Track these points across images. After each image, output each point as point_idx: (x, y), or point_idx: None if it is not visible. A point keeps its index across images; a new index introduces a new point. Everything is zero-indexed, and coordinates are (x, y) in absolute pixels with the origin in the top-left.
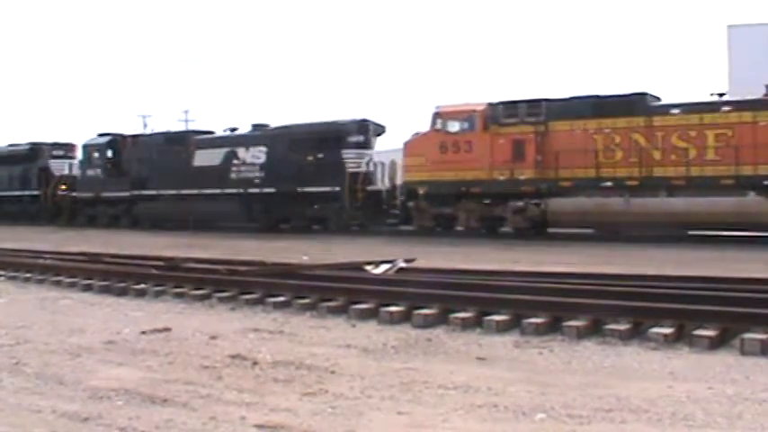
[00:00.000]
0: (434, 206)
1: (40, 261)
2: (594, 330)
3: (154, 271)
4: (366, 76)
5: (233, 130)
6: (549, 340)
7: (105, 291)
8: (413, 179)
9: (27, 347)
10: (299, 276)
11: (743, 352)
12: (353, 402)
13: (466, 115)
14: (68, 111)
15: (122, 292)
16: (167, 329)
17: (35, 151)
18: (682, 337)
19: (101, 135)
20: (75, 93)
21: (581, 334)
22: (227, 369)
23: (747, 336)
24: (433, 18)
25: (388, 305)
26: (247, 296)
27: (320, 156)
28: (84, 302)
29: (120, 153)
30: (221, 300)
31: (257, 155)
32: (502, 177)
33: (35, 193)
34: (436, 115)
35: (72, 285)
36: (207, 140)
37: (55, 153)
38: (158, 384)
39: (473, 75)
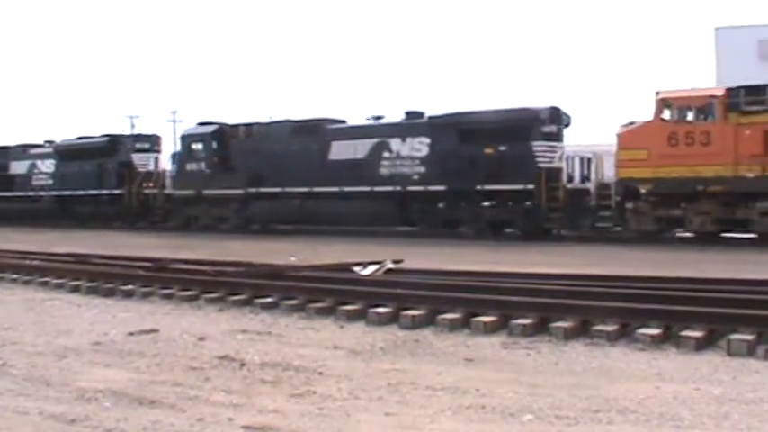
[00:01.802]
0: (658, 207)
1: (27, 262)
2: (582, 331)
3: (141, 272)
4: (342, 75)
5: (377, 118)
6: (536, 341)
7: (92, 292)
8: (632, 176)
9: (14, 349)
10: (287, 277)
11: (729, 353)
12: (341, 403)
13: (702, 102)
14: (55, 111)
15: (110, 294)
16: (155, 331)
17: (114, 144)
18: (669, 338)
19: (201, 124)
20: (63, 93)
21: (568, 335)
22: (215, 370)
23: (734, 336)
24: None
25: (375, 306)
26: (235, 297)
27: (502, 148)
28: (72, 304)
29: (227, 145)
30: (209, 301)
31: (417, 147)
32: (750, 174)
33: (115, 191)
34: (662, 102)
35: (59, 286)
36: (347, 130)
37: (138, 146)
38: (146, 386)
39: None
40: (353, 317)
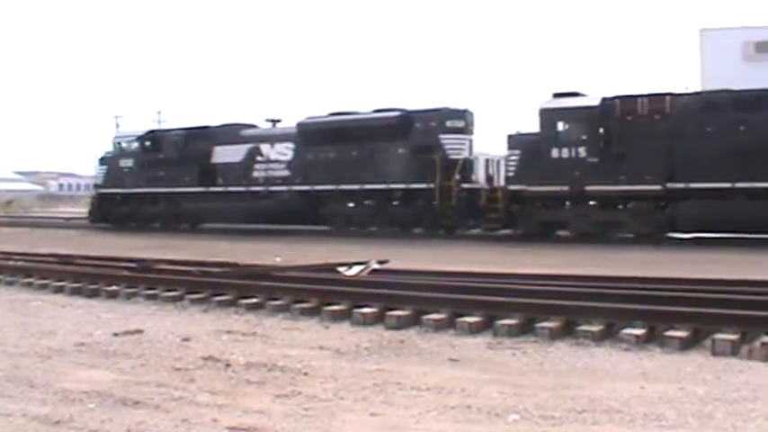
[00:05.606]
0: None
1: (11, 263)
2: (567, 332)
3: (125, 272)
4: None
5: None
6: (521, 342)
7: (77, 293)
8: None
9: None
10: (272, 278)
11: (714, 352)
12: (326, 404)
13: None
14: (43, 111)
15: (94, 294)
16: (139, 331)
17: (407, 122)
18: (653, 338)
19: (558, 95)
20: (49, 92)
21: (554, 335)
22: (200, 371)
23: (718, 336)
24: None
25: (361, 307)
26: (220, 298)
27: None
28: (56, 304)
29: (617, 124)
30: (194, 301)
31: None
32: None
33: (414, 186)
34: None
35: (43, 287)
36: None
37: (450, 124)
38: (130, 387)
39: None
40: (338, 317)
